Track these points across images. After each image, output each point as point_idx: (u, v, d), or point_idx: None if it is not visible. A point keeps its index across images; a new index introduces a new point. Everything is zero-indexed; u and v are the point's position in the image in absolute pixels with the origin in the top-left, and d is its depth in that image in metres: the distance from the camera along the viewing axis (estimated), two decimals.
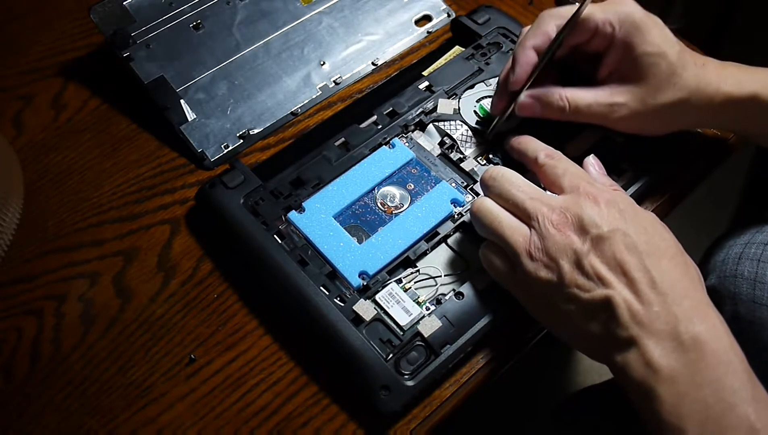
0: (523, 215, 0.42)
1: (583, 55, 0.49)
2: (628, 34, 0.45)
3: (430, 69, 0.58)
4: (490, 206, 0.43)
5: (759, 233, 0.55)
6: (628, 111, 0.46)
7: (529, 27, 0.48)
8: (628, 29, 0.45)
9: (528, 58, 0.46)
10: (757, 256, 0.54)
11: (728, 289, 0.55)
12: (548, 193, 0.43)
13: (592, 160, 0.46)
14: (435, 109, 0.54)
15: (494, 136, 0.51)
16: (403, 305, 0.44)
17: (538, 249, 0.40)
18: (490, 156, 0.51)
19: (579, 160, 0.49)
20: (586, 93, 0.47)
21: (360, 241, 0.47)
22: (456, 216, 0.48)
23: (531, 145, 0.46)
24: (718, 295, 0.56)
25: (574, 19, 0.45)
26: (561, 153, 0.45)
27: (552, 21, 0.46)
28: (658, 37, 0.45)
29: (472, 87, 0.55)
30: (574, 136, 0.50)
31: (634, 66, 0.45)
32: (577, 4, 0.45)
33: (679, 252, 0.40)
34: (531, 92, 0.47)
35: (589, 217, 0.39)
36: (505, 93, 0.49)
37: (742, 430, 0.33)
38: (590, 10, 0.45)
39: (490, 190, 0.44)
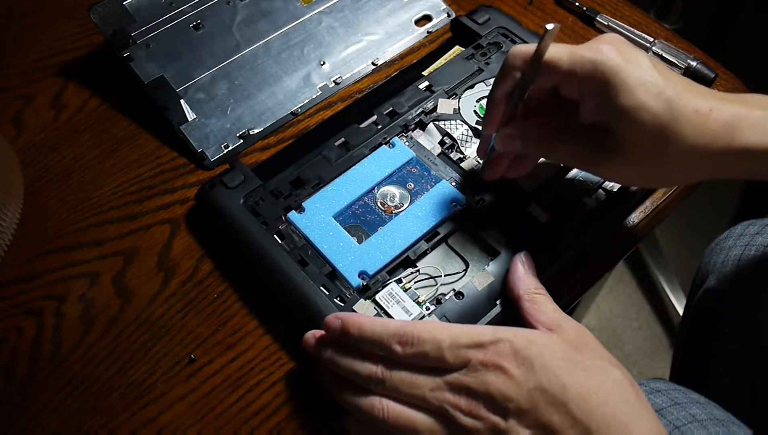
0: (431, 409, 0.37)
1: (565, 100, 0.42)
2: (600, 83, 0.38)
3: (430, 69, 0.58)
4: (397, 411, 0.37)
5: (759, 235, 0.55)
6: (611, 168, 0.41)
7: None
8: (601, 77, 0.37)
9: (496, 108, 0.43)
10: (756, 258, 0.54)
11: (728, 291, 0.55)
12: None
13: (523, 258, 0.43)
14: (435, 108, 0.54)
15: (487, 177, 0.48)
16: (403, 305, 0.44)
17: None
18: None
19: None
20: (566, 142, 0.42)
21: (360, 241, 0.47)
22: (456, 215, 0.48)
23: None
24: (717, 297, 0.56)
25: (534, 67, 0.39)
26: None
27: (516, 62, 0.41)
28: (638, 84, 0.37)
29: (472, 87, 0.55)
30: None
31: (610, 120, 0.38)
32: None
33: (610, 379, 0.36)
34: (509, 128, 0.43)
35: (499, 392, 0.35)
36: (485, 138, 0.47)
37: None
38: (556, 54, 0.39)
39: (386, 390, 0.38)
